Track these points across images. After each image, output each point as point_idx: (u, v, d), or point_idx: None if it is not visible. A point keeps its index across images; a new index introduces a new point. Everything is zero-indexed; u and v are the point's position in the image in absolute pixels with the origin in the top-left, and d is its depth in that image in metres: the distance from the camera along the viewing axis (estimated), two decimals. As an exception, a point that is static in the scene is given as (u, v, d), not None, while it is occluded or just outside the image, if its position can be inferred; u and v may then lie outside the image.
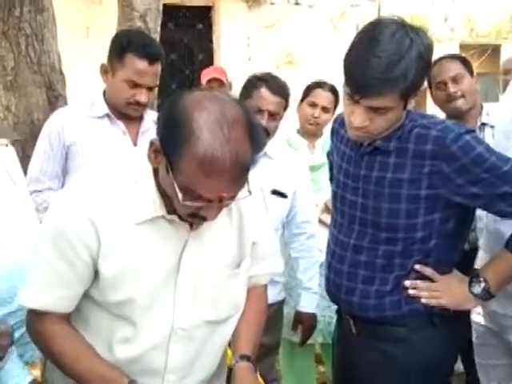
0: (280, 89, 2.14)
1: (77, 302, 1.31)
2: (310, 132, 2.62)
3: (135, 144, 2.14)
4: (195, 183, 1.12)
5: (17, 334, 1.49)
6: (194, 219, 1.22)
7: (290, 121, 2.77)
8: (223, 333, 1.42)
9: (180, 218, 1.26)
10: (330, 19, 8.15)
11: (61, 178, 2.14)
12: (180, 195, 1.13)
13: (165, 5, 3.03)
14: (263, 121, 2.10)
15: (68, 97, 2.73)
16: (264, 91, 2.12)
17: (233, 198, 1.18)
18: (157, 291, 1.29)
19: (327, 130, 2.62)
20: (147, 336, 1.31)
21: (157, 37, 2.83)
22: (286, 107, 2.18)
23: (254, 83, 2.17)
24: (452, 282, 1.55)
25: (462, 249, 1.63)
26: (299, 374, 2.67)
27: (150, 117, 2.18)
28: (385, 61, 1.38)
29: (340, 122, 1.71)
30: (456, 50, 8.46)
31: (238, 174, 1.13)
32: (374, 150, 1.54)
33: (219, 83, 3.96)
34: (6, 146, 1.74)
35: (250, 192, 1.20)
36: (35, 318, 1.31)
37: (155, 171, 1.24)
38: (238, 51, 7.80)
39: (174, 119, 1.13)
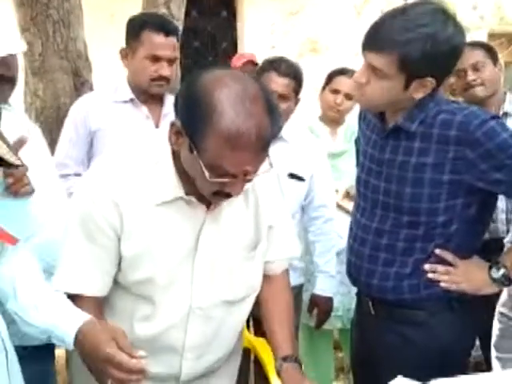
0: (288, 70, 2.14)
1: (109, 284, 1.33)
2: (331, 119, 2.62)
3: (157, 127, 2.18)
4: (221, 159, 1.13)
5: None
6: (218, 197, 1.24)
7: (313, 108, 2.77)
8: (240, 313, 1.45)
9: (198, 199, 1.29)
10: (353, 5, 8.05)
11: (86, 164, 2.18)
12: (207, 173, 1.15)
13: (189, -8, 3.05)
14: None
15: (94, 83, 2.77)
16: (272, 73, 2.13)
17: (255, 172, 1.20)
18: (175, 271, 1.32)
19: (349, 118, 2.62)
20: (166, 315, 1.35)
21: (180, 24, 2.84)
22: (297, 89, 2.17)
23: (263, 67, 2.19)
24: (472, 266, 1.55)
25: (483, 236, 1.63)
26: (318, 359, 2.69)
27: (171, 101, 2.21)
28: (397, 24, 1.42)
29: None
30: (484, 39, 8.28)
31: (261, 148, 1.16)
32: (398, 133, 1.55)
33: (254, 67, 3.95)
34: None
35: (271, 165, 1.23)
36: None
37: (174, 153, 1.26)
38: (261, 39, 7.77)
39: (194, 98, 1.15)
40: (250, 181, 1.23)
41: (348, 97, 2.57)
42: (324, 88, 2.63)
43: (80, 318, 1.20)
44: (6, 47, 1.49)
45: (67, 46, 2.56)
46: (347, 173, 2.45)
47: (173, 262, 1.31)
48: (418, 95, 1.49)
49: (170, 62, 2.11)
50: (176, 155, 1.26)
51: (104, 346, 1.11)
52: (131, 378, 1.11)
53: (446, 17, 1.44)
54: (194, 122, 1.14)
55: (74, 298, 1.29)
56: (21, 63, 1.98)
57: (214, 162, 1.14)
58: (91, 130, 2.14)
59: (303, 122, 2.64)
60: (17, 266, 1.31)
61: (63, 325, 1.20)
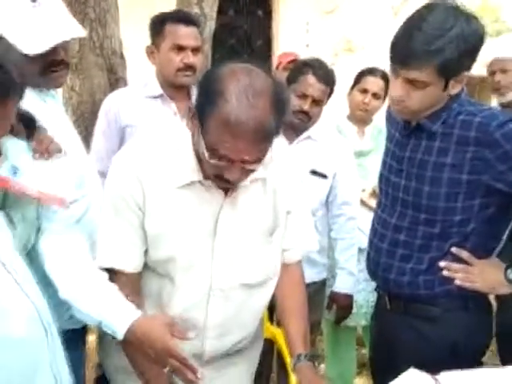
0: (326, 76, 2.19)
1: (142, 260, 1.42)
2: (359, 118, 2.64)
3: None
4: (219, 143, 1.23)
5: None
6: (219, 181, 1.32)
7: (341, 107, 2.79)
8: (259, 297, 1.51)
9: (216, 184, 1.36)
10: (391, 6, 7.98)
11: None
12: (206, 154, 1.25)
13: (226, -8, 3.10)
14: (306, 106, 2.17)
15: (128, 80, 2.86)
16: (310, 77, 2.18)
17: (255, 162, 1.27)
18: (195, 252, 1.40)
19: (377, 117, 2.64)
20: (187, 295, 1.43)
21: (212, 23, 2.91)
22: (330, 95, 2.23)
23: (300, 69, 2.23)
24: (488, 266, 1.56)
25: (502, 237, 1.63)
26: (341, 355, 2.72)
27: None
28: (426, 34, 1.43)
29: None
30: (525, 38, 8.07)
31: (259, 139, 1.23)
32: (420, 132, 1.57)
33: None
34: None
35: (271, 158, 1.31)
36: None
37: (193, 137, 1.35)
38: (296, 37, 7.77)
39: (207, 85, 1.26)
40: (250, 171, 1.30)
41: (376, 96, 2.59)
42: (353, 88, 2.66)
43: (134, 313, 1.31)
44: (69, 32, 1.54)
45: (103, 44, 2.66)
46: (374, 171, 2.46)
47: (192, 243, 1.39)
48: (456, 91, 1.51)
49: (194, 51, 2.19)
50: (194, 139, 1.35)
51: (164, 339, 1.25)
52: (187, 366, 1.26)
53: (463, 12, 1.46)
54: (203, 105, 1.25)
55: (113, 276, 1.40)
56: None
57: (213, 144, 1.24)
58: (121, 126, 2.22)
59: (330, 120, 2.67)
60: (69, 254, 1.38)
61: (117, 316, 1.31)
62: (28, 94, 1.26)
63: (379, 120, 2.54)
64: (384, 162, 1.73)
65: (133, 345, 1.31)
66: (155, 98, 2.24)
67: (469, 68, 1.50)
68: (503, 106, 2.44)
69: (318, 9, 7.92)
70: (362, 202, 2.46)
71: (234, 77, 1.23)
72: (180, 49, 2.17)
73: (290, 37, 7.79)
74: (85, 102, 2.68)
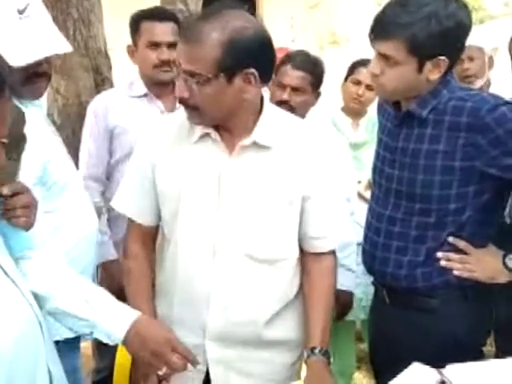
0: (304, 63, 2.14)
1: (155, 216, 1.52)
2: (353, 110, 2.62)
3: None
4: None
5: None
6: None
7: (335, 100, 2.77)
8: (271, 277, 1.47)
9: (222, 137, 1.42)
10: (374, -3, 7.98)
11: (107, 159, 2.25)
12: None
13: (208, -13, 3.08)
14: (284, 95, 2.12)
15: (114, 80, 2.82)
16: (286, 67, 2.15)
17: (187, 72, 1.33)
18: (199, 212, 1.43)
19: (371, 109, 2.62)
20: (190, 258, 1.44)
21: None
22: (314, 82, 2.16)
23: (282, 61, 2.20)
24: (485, 255, 1.56)
25: (497, 224, 1.63)
26: (340, 349, 2.70)
27: None
28: (399, 8, 1.45)
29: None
30: (511, 26, 8.12)
31: (190, 41, 1.31)
32: (411, 120, 1.56)
33: None
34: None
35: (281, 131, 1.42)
36: (125, 235, 1.59)
37: None
38: (281, 32, 7.75)
39: None
40: (186, 86, 1.35)
41: (369, 88, 2.55)
42: (346, 79, 2.63)
43: (132, 313, 1.31)
44: (55, 46, 1.56)
45: (87, 44, 2.62)
46: (369, 163, 2.43)
47: (196, 201, 1.43)
48: (434, 76, 1.49)
49: (171, 46, 2.16)
50: None
51: (166, 332, 1.31)
52: (186, 363, 1.28)
53: None
54: None
55: (129, 225, 1.57)
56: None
57: None
58: (109, 128, 2.21)
59: (325, 114, 2.65)
60: (50, 265, 1.35)
61: (115, 318, 1.28)
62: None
63: (374, 112, 2.52)
64: (377, 154, 1.71)
65: (132, 345, 1.29)
66: (141, 97, 2.24)
67: (447, 53, 1.47)
68: None
69: (301, 3, 7.92)
70: (359, 195, 2.45)
71: (221, 7, 1.35)
72: (155, 45, 2.16)
73: (275, 32, 7.75)
74: (70, 104, 2.64)
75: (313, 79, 2.16)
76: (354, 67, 2.62)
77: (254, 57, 1.33)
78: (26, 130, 1.46)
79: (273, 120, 1.45)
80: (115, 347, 1.66)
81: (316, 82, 2.18)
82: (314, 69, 2.17)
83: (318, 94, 2.21)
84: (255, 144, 1.42)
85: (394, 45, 1.46)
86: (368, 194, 2.42)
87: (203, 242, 1.43)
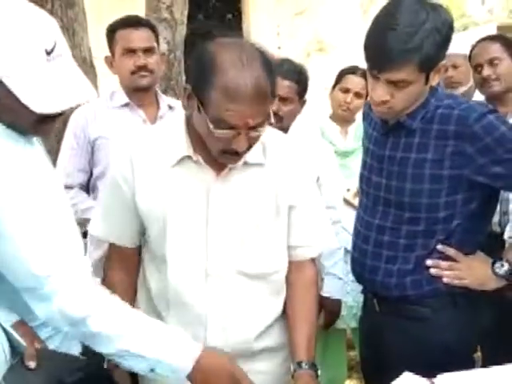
0: (289, 73, 2.12)
1: (129, 236, 1.49)
2: (342, 118, 2.62)
3: None
4: (223, 112, 1.27)
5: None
6: (227, 156, 1.34)
7: (321, 108, 2.77)
8: (267, 291, 1.46)
9: (207, 162, 1.39)
10: (359, 4, 8.05)
11: (88, 171, 2.23)
12: (211, 126, 1.28)
13: (193, -4, 3.08)
14: (273, 106, 2.08)
15: (100, 89, 2.80)
16: None
17: (258, 126, 1.30)
18: (188, 231, 1.41)
19: (359, 117, 2.62)
20: (183, 278, 1.42)
21: (183, 28, 2.88)
22: (300, 91, 2.15)
23: None
24: (475, 262, 1.55)
25: (485, 231, 1.63)
26: (330, 358, 2.69)
27: (166, 102, 2.28)
28: (401, 33, 1.41)
29: (370, 106, 1.72)
30: (494, 33, 8.22)
31: (259, 99, 1.27)
32: (399, 130, 1.56)
33: None
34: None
35: (269, 118, 1.35)
36: (105, 263, 1.54)
37: (187, 119, 1.41)
38: (267, 40, 7.77)
39: (201, 61, 1.31)
40: (254, 139, 1.32)
41: (358, 95, 2.57)
42: (334, 87, 2.63)
43: (195, 346, 1.27)
44: (82, 94, 1.32)
45: (72, 53, 2.59)
46: (356, 170, 2.45)
47: (184, 221, 1.41)
48: (435, 81, 1.51)
49: (146, 52, 2.18)
50: (189, 121, 1.40)
51: (229, 366, 1.29)
52: None
53: (428, 3, 1.46)
54: (200, 81, 1.30)
55: (109, 249, 1.53)
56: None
57: (217, 115, 1.27)
58: (91, 139, 2.19)
59: (312, 122, 2.64)
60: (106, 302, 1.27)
61: (179, 354, 1.23)
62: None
63: (361, 119, 2.52)
64: (364, 162, 1.71)
65: (196, 381, 1.27)
66: (122, 107, 2.23)
67: (444, 57, 1.49)
68: (488, 99, 2.44)
69: (287, 11, 7.95)
70: (347, 202, 2.44)
71: (224, 47, 1.30)
72: (131, 52, 2.17)
73: (261, 40, 7.78)
74: (55, 113, 2.60)
75: (299, 88, 2.15)
76: (341, 75, 2.63)
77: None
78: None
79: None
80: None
81: (302, 90, 2.17)
82: (300, 77, 2.15)
83: (303, 102, 2.20)
84: (245, 163, 1.41)
85: (407, 70, 1.43)
86: (356, 202, 2.42)
87: (195, 265, 1.42)
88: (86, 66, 2.68)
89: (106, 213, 1.50)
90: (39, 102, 1.20)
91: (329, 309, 2.34)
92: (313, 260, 1.55)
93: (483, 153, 1.44)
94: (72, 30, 2.57)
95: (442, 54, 1.47)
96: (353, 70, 2.60)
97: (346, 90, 2.57)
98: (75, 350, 1.41)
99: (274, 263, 1.48)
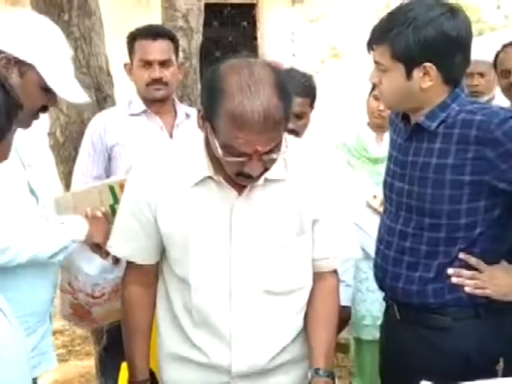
0: (299, 88, 2.10)
1: (151, 255, 1.49)
2: (376, 125, 2.62)
3: (171, 137, 2.23)
4: (232, 138, 1.24)
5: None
6: (242, 178, 1.32)
7: (335, 114, 2.76)
8: (291, 307, 1.45)
9: (229, 182, 1.37)
10: (375, 10, 8.04)
11: (104, 179, 2.23)
12: (220, 151, 1.26)
13: (210, 4, 3.09)
14: (290, 124, 2.10)
15: (116, 97, 2.82)
16: None
17: (271, 152, 1.26)
18: (211, 252, 1.39)
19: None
20: (207, 299, 1.41)
21: (199, 36, 2.88)
22: (311, 102, 2.18)
23: None
24: (498, 272, 1.52)
25: (510, 240, 1.59)
26: (365, 369, 2.64)
27: (183, 110, 2.29)
28: (386, 17, 1.51)
29: (396, 113, 1.72)
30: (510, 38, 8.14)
31: (269, 127, 1.22)
32: (421, 134, 1.55)
33: None
34: None
35: (286, 147, 1.29)
36: (124, 279, 1.55)
37: (206, 139, 1.37)
38: (282, 47, 7.80)
39: (210, 84, 1.28)
40: (269, 163, 1.29)
41: None
42: (369, 94, 2.63)
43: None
44: (76, 96, 1.60)
45: (89, 62, 2.61)
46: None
47: (207, 242, 1.40)
48: (425, 84, 1.49)
49: (162, 64, 2.18)
50: (208, 141, 1.36)
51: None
52: None
53: (437, 4, 1.46)
54: (210, 105, 1.27)
55: (128, 266, 1.54)
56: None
57: (226, 141, 1.25)
58: (108, 146, 2.21)
59: (324, 132, 2.64)
60: None
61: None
62: None
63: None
64: (388, 168, 1.71)
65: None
66: (140, 114, 2.24)
67: (433, 61, 1.46)
68: None
69: (302, 18, 7.97)
70: (373, 209, 2.43)
71: (233, 71, 1.25)
72: (148, 64, 2.17)
73: (276, 47, 7.82)
74: (72, 121, 2.62)
75: (310, 100, 2.19)
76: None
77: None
78: None
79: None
80: (119, 365, 1.64)
81: (313, 101, 2.21)
82: (310, 90, 2.18)
83: (312, 109, 2.23)
84: (267, 180, 1.38)
85: (380, 51, 1.50)
86: (382, 209, 2.41)
87: (218, 286, 1.41)
88: (103, 74, 2.69)
89: (128, 236, 1.49)
90: (71, 92, 1.53)
91: (339, 316, 2.32)
92: (335, 270, 1.54)
93: (505, 158, 1.42)
94: (89, 38, 2.58)
95: (420, 52, 1.45)
96: None
97: (378, 98, 2.56)
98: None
99: (299, 280, 1.46)
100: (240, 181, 1.34)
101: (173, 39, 2.26)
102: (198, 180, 1.38)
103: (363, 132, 2.63)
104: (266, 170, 1.31)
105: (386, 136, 2.61)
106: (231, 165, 1.28)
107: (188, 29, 2.78)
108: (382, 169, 2.49)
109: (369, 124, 2.66)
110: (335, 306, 1.51)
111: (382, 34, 1.48)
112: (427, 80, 1.48)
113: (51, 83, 1.48)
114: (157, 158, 1.46)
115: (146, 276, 1.52)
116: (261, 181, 1.36)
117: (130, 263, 1.53)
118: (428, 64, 1.46)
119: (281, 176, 1.40)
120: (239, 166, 1.27)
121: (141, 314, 1.52)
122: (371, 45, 1.52)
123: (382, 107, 2.52)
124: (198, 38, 2.89)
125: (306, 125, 2.20)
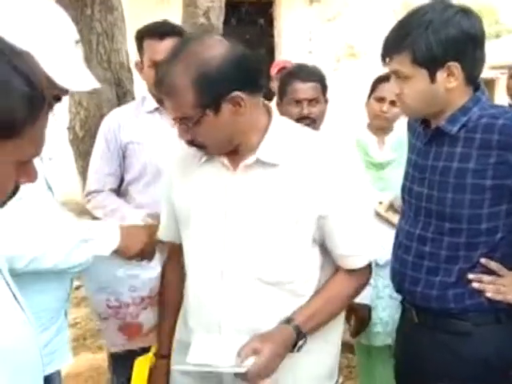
0: (310, 74, 2.19)
1: (171, 232, 1.58)
2: (379, 127, 2.54)
3: None
4: None
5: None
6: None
7: (351, 112, 2.74)
8: (280, 297, 1.41)
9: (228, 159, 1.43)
10: (392, 10, 7.99)
11: (119, 176, 2.24)
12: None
13: (228, 1, 3.09)
14: (304, 110, 2.16)
15: (136, 93, 2.83)
16: (295, 83, 2.18)
17: (179, 122, 1.34)
18: (207, 233, 1.43)
19: (397, 127, 2.56)
20: (198, 282, 1.45)
21: (219, 33, 2.88)
22: (323, 89, 2.23)
23: (285, 80, 2.25)
24: None
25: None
26: (376, 377, 2.53)
27: None
28: (400, 24, 1.48)
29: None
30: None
31: (168, 94, 1.32)
32: (441, 138, 1.53)
33: None
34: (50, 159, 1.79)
35: (203, 113, 1.31)
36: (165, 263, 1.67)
37: None
38: (299, 45, 7.78)
39: None
40: (192, 134, 1.35)
41: (394, 104, 2.50)
42: (369, 97, 2.58)
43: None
44: (81, 84, 1.53)
45: (110, 58, 2.63)
46: (392, 183, 2.36)
47: (204, 222, 1.44)
48: (451, 85, 1.48)
49: None
50: None
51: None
52: None
53: (449, 6, 1.46)
54: None
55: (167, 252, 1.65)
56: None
57: None
58: (122, 144, 2.20)
59: (344, 130, 2.62)
60: None
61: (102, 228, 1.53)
62: None
63: (400, 129, 2.46)
64: (406, 173, 1.69)
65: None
66: (152, 112, 2.23)
67: (457, 60, 1.45)
68: None
69: (319, 16, 7.94)
70: (379, 215, 2.37)
71: (192, 39, 1.35)
72: (156, 64, 2.09)
73: (293, 44, 7.80)
74: (92, 116, 2.64)
75: (321, 86, 2.23)
76: (376, 83, 2.56)
77: (231, 80, 1.29)
78: None
79: (282, 136, 1.40)
80: (132, 359, 1.64)
81: (324, 88, 2.25)
82: (320, 77, 2.24)
83: (326, 101, 2.27)
84: (259, 162, 1.38)
85: (398, 60, 1.48)
86: (389, 215, 2.37)
87: (211, 265, 1.43)
88: (124, 70, 2.70)
89: (165, 217, 1.60)
90: (71, 79, 1.46)
91: (359, 314, 2.31)
92: (364, 268, 1.48)
93: None
94: (111, 34, 2.60)
95: (442, 52, 1.44)
96: (387, 78, 2.54)
97: (381, 99, 2.50)
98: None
99: (289, 272, 1.42)
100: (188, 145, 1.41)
101: (181, 35, 2.24)
102: (205, 158, 1.44)
103: (363, 135, 2.56)
104: (193, 141, 1.37)
105: (388, 139, 2.56)
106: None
107: (209, 26, 2.78)
108: (386, 174, 2.47)
109: (369, 126, 2.58)
110: (342, 293, 1.47)
111: (399, 42, 1.46)
112: (452, 80, 1.47)
113: (49, 70, 1.38)
114: (174, 140, 1.52)
115: (176, 254, 1.58)
116: (251, 160, 1.37)
117: (170, 247, 1.63)
118: (452, 63, 1.45)
119: (273, 160, 1.37)
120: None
121: (168, 291, 1.62)
122: (386, 56, 1.50)
123: (385, 108, 2.47)
124: (218, 35, 2.89)
125: (322, 112, 2.22)
